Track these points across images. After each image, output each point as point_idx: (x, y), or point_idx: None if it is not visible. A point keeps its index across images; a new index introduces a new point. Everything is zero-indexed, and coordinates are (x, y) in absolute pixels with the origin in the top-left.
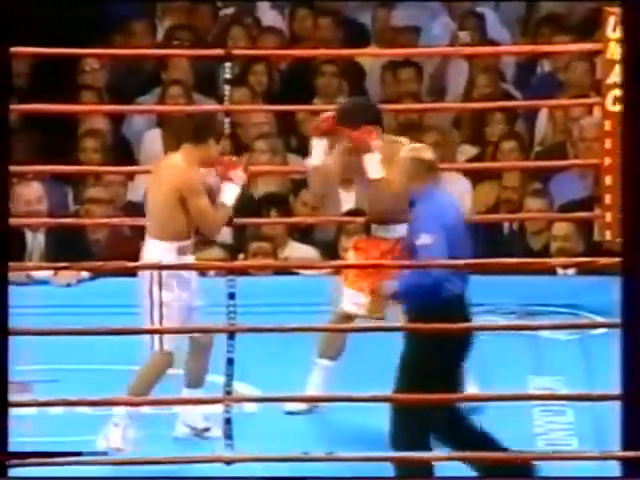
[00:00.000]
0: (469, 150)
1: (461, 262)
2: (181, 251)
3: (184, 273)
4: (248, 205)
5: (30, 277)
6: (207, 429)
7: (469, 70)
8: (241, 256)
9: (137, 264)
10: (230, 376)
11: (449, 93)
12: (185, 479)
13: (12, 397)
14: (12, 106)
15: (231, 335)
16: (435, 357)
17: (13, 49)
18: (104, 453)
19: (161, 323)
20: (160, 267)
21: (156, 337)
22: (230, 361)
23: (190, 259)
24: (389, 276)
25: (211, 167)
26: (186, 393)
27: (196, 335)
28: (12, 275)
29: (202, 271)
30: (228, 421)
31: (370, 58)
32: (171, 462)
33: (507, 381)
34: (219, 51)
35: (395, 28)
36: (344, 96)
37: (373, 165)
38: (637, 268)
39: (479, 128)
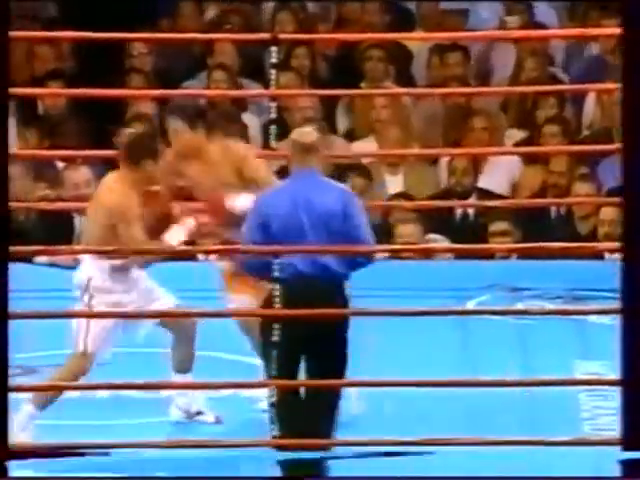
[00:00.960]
0: (516, 134)
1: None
2: (115, 270)
3: (131, 276)
4: None
5: (78, 261)
6: (200, 413)
7: (517, 54)
8: None
9: (173, 248)
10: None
11: (495, 77)
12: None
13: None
14: (60, 90)
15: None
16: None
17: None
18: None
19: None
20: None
21: (81, 338)
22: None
23: (130, 277)
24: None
25: (152, 188)
26: (177, 378)
27: (179, 323)
28: (60, 259)
29: None
30: (273, 405)
31: (417, 42)
32: (217, 446)
33: (553, 366)
34: (265, 35)
35: (443, 11)
36: (390, 80)
37: None
38: (637, 255)
39: (527, 112)
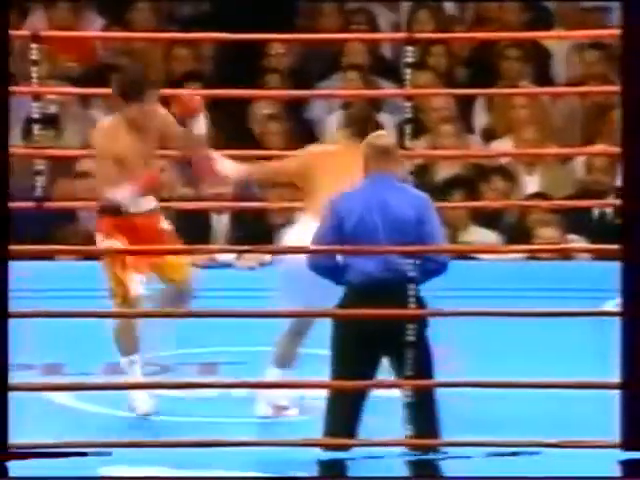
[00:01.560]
0: None
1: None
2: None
3: None
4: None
5: (214, 260)
6: (285, 408)
7: None
8: None
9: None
10: None
11: None
12: None
13: (196, 378)
14: (197, 91)
15: None
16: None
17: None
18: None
19: None
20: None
21: None
22: None
23: None
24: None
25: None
26: (273, 373)
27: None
28: (196, 258)
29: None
30: (406, 406)
31: (556, 40)
32: (345, 445)
33: None
34: (402, 35)
35: (582, 9)
36: (527, 80)
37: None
38: (636, 255)
39: None
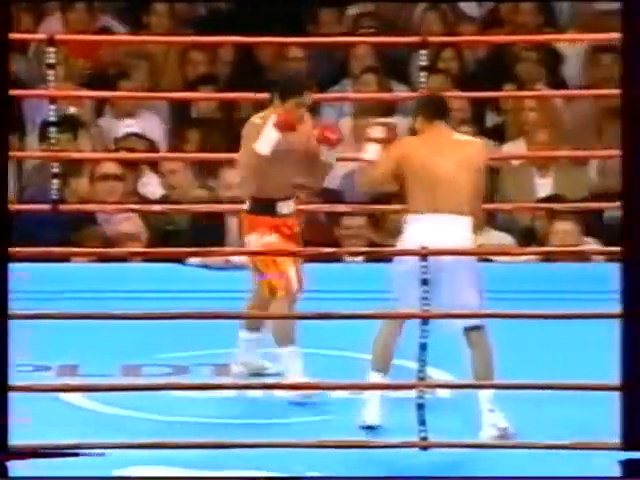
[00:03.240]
0: None
1: None
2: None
3: None
4: None
5: (229, 262)
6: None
7: None
8: None
9: (333, 249)
10: (423, 362)
11: None
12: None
13: (211, 379)
14: (208, 94)
15: (425, 320)
16: None
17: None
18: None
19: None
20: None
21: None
22: (423, 347)
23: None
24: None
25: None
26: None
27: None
28: (211, 260)
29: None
30: (421, 407)
31: (569, 43)
32: (362, 446)
33: None
34: (415, 38)
35: (598, 12)
36: (543, 83)
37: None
38: (637, 257)
39: None
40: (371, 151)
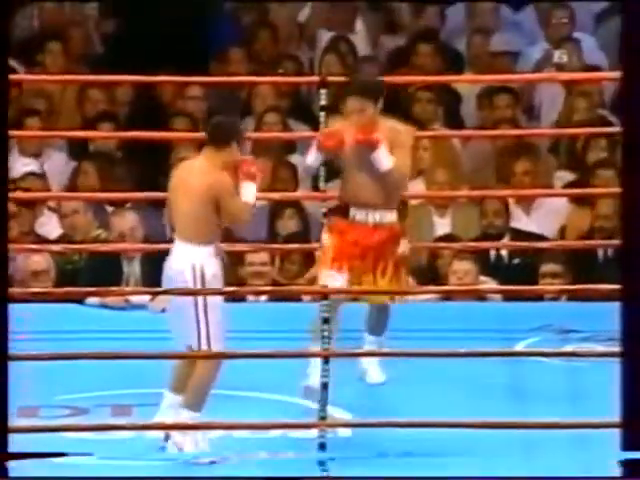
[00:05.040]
0: (566, 176)
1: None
2: (216, 253)
3: (219, 273)
4: None
5: (128, 302)
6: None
7: (566, 93)
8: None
9: (235, 289)
10: (324, 401)
11: (543, 118)
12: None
13: (109, 420)
14: (110, 133)
15: (326, 360)
16: None
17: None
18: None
19: (207, 325)
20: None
21: (203, 337)
22: (324, 386)
23: (216, 262)
24: (372, 259)
25: (233, 170)
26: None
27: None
28: (111, 299)
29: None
30: (322, 446)
31: (466, 84)
32: None
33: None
34: (315, 78)
35: (492, 53)
36: (439, 122)
37: (383, 157)
38: (637, 295)
39: (577, 154)
40: (248, 190)
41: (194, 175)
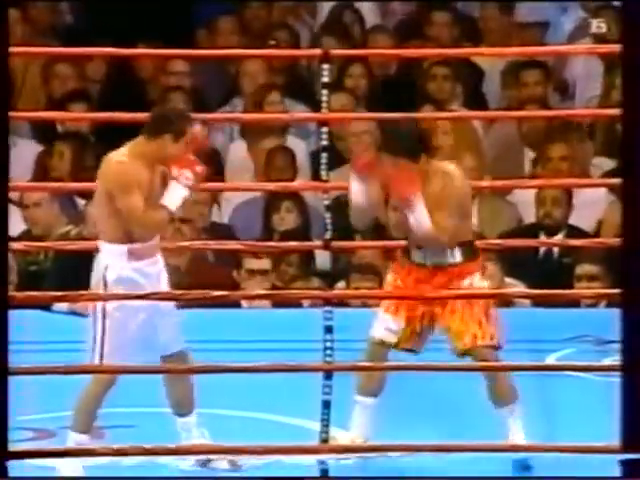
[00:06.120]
0: (604, 162)
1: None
2: (133, 255)
3: (138, 279)
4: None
5: None
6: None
7: (604, 69)
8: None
9: (222, 293)
10: (326, 421)
11: (577, 97)
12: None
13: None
14: (82, 114)
15: (328, 375)
16: None
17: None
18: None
19: (103, 334)
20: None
21: (97, 351)
22: (326, 404)
23: (149, 263)
24: (429, 304)
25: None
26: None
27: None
28: (81, 305)
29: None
30: (325, 472)
31: (488, 58)
32: None
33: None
34: (317, 51)
35: (519, 24)
36: (458, 102)
37: (420, 218)
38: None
39: (616, 138)
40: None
41: (103, 164)
